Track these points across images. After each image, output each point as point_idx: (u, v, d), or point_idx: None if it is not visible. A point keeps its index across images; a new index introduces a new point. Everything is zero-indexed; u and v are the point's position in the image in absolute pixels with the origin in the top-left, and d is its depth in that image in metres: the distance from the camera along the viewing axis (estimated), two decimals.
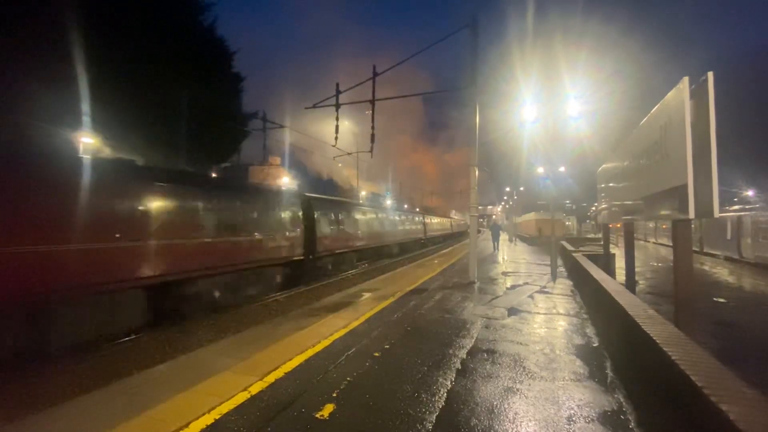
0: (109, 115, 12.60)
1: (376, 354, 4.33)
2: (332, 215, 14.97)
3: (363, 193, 36.23)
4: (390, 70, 10.54)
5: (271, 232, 10.57)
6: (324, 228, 13.91)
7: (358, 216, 18.00)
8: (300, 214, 12.19)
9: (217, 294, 8.80)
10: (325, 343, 4.67)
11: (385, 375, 3.79)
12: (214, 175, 19.36)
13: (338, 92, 10.85)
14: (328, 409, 3.05)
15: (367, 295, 7.89)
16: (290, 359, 4.07)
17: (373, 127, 11.01)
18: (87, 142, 12.74)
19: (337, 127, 11.45)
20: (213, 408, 3.02)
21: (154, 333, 7.16)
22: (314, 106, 11.20)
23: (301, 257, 12.04)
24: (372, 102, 10.65)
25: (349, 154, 20.94)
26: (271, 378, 3.61)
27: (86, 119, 12.11)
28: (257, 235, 9.98)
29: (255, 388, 3.39)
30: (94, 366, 5.66)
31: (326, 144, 15.13)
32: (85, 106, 11.84)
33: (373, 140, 11.22)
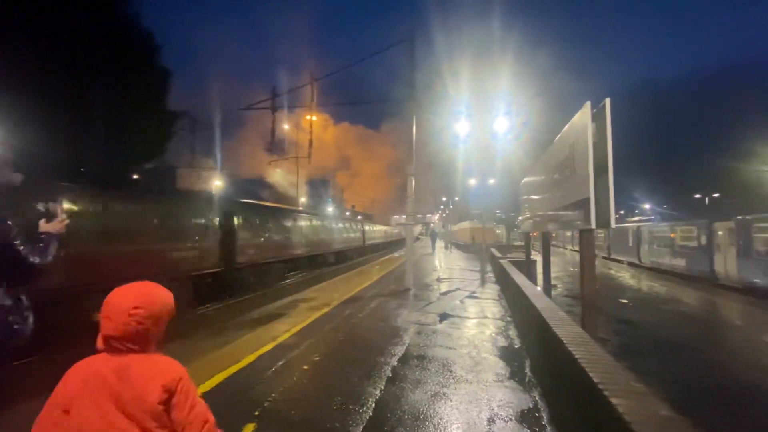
0: None
1: (305, 367, 4.19)
2: (258, 222, 13.58)
3: (303, 200, 35.37)
4: (329, 77, 10.52)
5: (171, 242, 9.08)
6: (246, 236, 12.57)
7: (290, 223, 16.83)
8: (217, 220, 10.92)
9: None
10: (251, 358, 4.42)
11: (312, 388, 3.67)
12: (135, 176, 17.62)
13: (274, 95, 10.54)
14: (248, 429, 2.86)
15: (301, 305, 7.66)
16: (210, 378, 3.78)
17: (311, 132, 10.86)
18: None
19: (272, 130, 11.10)
20: None
21: (50, 355, 6.23)
22: (248, 108, 10.77)
23: (217, 269, 10.75)
24: (310, 107, 10.51)
25: (286, 158, 20.38)
26: None
27: None
28: (151, 245, 8.40)
29: None
30: None
31: (262, 148, 14.60)
32: None
33: (311, 145, 11.05)
